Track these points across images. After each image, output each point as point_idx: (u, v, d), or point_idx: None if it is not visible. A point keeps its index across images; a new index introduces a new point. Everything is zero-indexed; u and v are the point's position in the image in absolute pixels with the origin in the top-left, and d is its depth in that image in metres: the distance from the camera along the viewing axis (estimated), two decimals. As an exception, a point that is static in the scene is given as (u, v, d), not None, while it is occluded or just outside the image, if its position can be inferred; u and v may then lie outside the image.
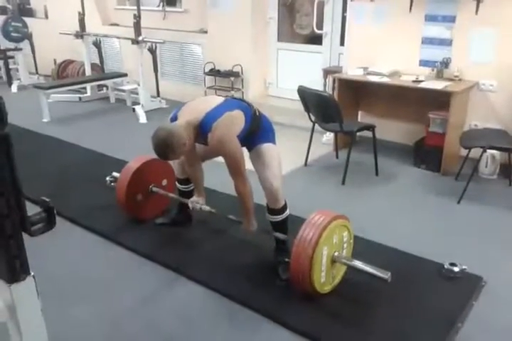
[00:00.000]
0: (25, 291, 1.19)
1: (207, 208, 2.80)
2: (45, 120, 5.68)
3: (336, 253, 2.37)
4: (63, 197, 3.48)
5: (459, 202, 3.50)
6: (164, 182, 3.23)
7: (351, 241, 2.52)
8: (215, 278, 2.60)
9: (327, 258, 2.32)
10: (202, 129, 2.37)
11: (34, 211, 1.18)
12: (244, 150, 2.52)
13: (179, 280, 2.62)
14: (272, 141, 2.63)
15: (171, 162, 2.99)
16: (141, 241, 2.98)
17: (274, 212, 2.61)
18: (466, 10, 4.01)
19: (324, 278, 2.35)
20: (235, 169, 2.42)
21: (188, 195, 3.01)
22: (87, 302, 2.45)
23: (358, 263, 2.34)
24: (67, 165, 4.25)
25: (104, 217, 3.28)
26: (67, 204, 3.37)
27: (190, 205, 2.85)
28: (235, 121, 2.42)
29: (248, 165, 2.54)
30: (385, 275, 2.24)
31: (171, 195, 3.14)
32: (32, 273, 1.20)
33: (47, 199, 1.18)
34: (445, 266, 2.61)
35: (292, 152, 4.47)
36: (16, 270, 1.15)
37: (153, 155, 2.74)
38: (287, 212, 2.65)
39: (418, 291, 2.50)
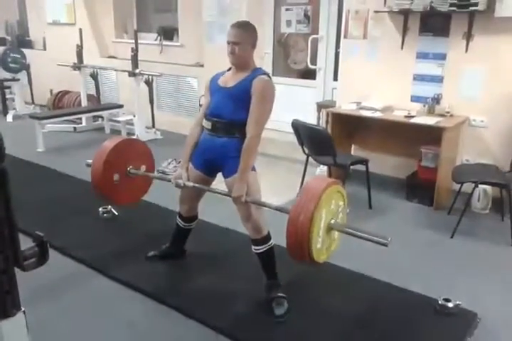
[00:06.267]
0: (15, 327, 1.18)
1: (190, 184, 2.68)
2: (39, 150, 5.69)
3: (332, 221, 2.23)
4: (55, 228, 3.46)
5: (452, 237, 3.50)
6: (143, 168, 3.02)
7: (347, 210, 2.39)
8: (206, 312, 2.56)
9: (325, 223, 2.18)
10: (253, 71, 2.59)
11: (26, 242, 1.18)
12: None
13: (171, 314, 2.58)
14: (253, 167, 2.59)
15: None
16: (132, 274, 2.93)
17: (256, 242, 2.56)
18: (457, 48, 4.12)
19: (320, 244, 2.19)
20: (258, 119, 2.49)
21: (186, 233, 3.00)
22: (75, 336, 2.40)
23: (354, 231, 2.21)
24: (61, 195, 4.22)
25: (96, 248, 3.24)
26: (59, 235, 3.33)
27: (172, 181, 2.72)
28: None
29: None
30: (385, 240, 2.11)
31: (152, 174, 2.99)
32: (22, 309, 1.18)
33: (40, 234, 1.18)
34: (439, 302, 2.59)
35: (285, 184, 4.49)
36: (7, 305, 1.14)
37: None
38: (271, 243, 2.58)
39: (412, 327, 2.47)
